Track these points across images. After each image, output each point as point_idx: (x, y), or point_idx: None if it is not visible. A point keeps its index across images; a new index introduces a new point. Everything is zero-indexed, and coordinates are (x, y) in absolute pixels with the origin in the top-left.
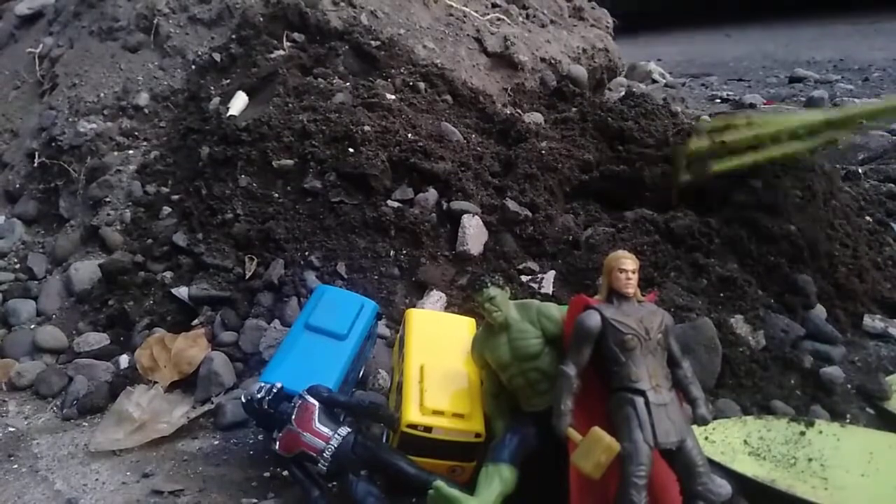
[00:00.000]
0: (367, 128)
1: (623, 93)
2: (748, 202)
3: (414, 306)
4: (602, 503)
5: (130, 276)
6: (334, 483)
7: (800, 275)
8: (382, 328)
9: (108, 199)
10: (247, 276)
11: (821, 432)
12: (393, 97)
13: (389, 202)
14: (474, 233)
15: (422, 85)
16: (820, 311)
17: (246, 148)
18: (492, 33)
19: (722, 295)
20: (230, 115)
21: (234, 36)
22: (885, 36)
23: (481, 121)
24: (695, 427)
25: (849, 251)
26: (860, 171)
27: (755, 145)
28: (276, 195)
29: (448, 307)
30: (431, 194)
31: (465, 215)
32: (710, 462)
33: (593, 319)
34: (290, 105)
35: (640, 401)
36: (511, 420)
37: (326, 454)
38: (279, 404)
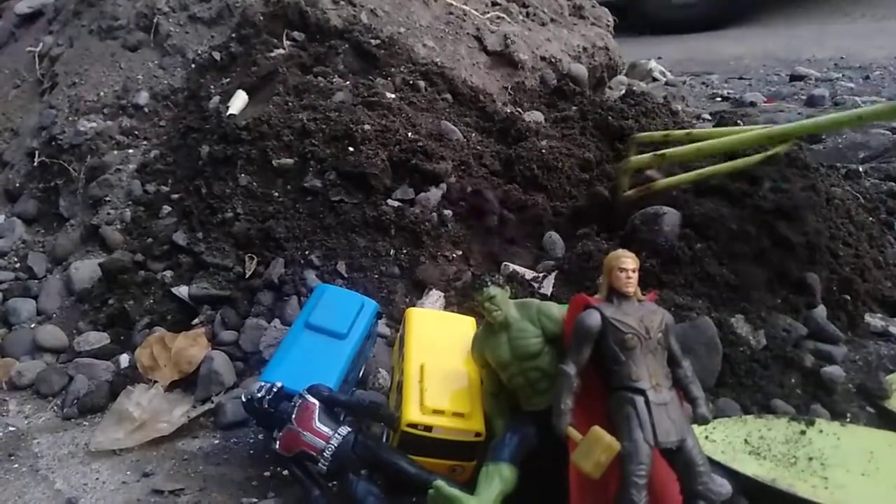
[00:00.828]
0: (366, 126)
1: (623, 91)
2: (758, 202)
3: (414, 305)
4: (602, 503)
5: (130, 276)
6: (334, 482)
7: (808, 273)
8: (383, 327)
9: (107, 199)
10: (247, 275)
11: (821, 431)
12: (393, 96)
13: (390, 201)
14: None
15: (422, 84)
16: (821, 310)
17: (246, 147)
18: (492, 32)
19: (724, 295)
20: (230, 114)
21: (234, 35)
22: (885, 34)
23: (481, 119)
24: (695, 426)
25: (851, 250)
26: (860, 169)
27: (697, 159)
28: (276, 194)
29: (447, 306)
30: (433, 194)
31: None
32: (711, 461)
33: (593, 318)
34: (290, 104)
35: (640, 400)
36: (511, 419)
37: (327, 453)
38: (279, 403)
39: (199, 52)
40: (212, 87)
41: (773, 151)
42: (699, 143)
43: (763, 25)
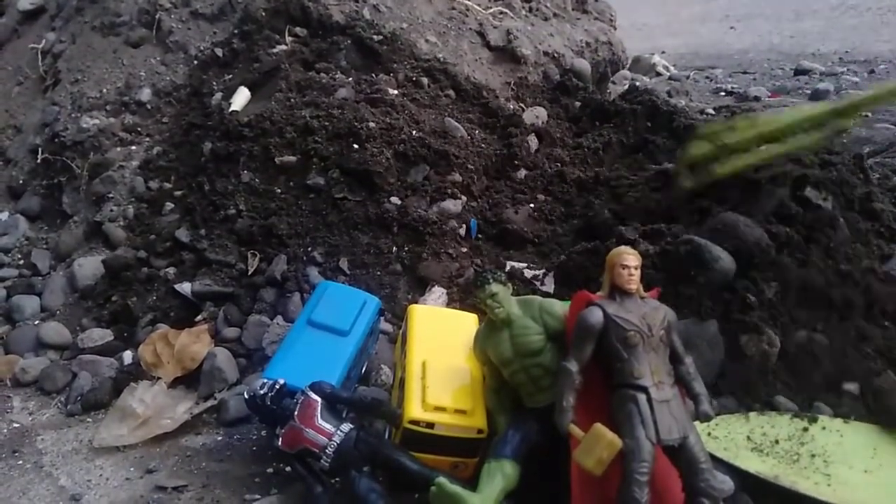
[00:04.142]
0: (371, 124)
1: (627, 86)
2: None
3: (416, 302)
4: (604, 499)
5: (133, 272)
6: (337, 479)
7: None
8: (385, 324)
9: (110, 195)
10: (249, 272)
11: (824, 428)
12: (396, 92)
13: (392, 199)
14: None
15: (424, 80)
16: None
17: (248, 143)
18: (494, 27)
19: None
20: (232, 111)
21: (235, 31)
22: (891, 28)
23: (484, 115)
24: (697, 423)
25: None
26: (866, 164)
27: (759, 144)
28: (279, 191)
29: (449, 303)
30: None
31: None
32: (713, 458)
33: (595, 316)
34: (293, 100)
35: (642, 397)
36: (513, 416)
37: (329, 450)
38: (282, 400)
39: (202, 48)
40: (214, 83)
41: (832, 132)
42: (761, 127)
43: (767, 19)
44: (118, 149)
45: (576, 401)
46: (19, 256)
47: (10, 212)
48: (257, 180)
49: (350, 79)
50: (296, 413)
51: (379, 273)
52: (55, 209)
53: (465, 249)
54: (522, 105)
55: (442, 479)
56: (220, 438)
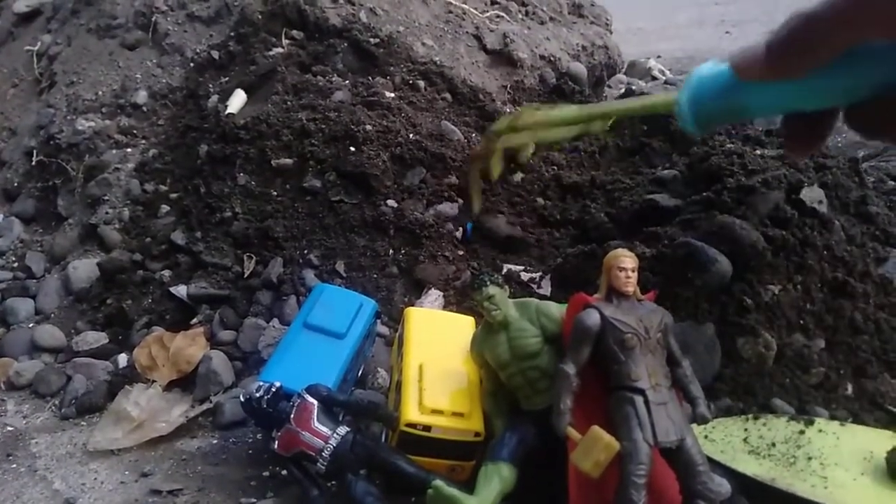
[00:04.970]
0: (368, 127)
1: (623, 90)
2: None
3: (412, 305)
4: (601, 502)
5: (129, 275)
6: (333, 482)
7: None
8: (381, 327)
9: (106, 198)
10: (245, 275)
11: (821, 431)
12: (392, 95)
13: (389, 202)
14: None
15: (421, 83)
16: None
17: (244, 146)
18: (491, 30)
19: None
20: (228, 114)
21: (232, 33)
22: None
23: (481, 118)
24: (694, 425)
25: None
26: (861, 168)
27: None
28: (275, 193)
29: (446, 306)
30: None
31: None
32: (710, 461)
33: (592, 318)
34: (289, 103)
35: (639, 400)
36: (510, 419)
37: (325, 453)
38: (278, 403)
39: (198, 50)
40: (210, 85)
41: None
42: (551, 112)
43: (762, 24)
44: (114, 151)
45: (573, 403)
46: (13, 259)
47: (4, 214)
48: (253, 183)
49: (346, 82)
50: (292, 416)
51: (375, 276)
52: (50, 212)
53: (461, 252)
54: (518, 108)
55: (439, 482)
56: (215, 442)
